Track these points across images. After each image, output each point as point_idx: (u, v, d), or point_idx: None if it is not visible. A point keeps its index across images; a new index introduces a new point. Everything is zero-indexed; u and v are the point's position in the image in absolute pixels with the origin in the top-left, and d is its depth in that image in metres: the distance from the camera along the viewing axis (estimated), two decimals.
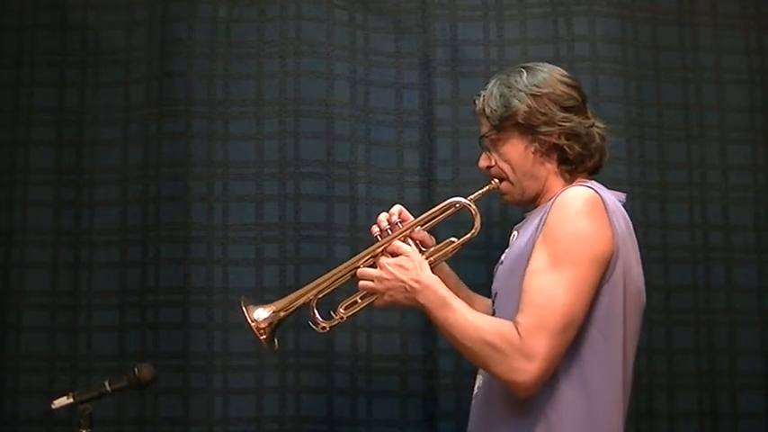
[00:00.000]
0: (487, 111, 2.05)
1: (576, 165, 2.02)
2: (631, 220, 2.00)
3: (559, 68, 2.09)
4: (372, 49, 2.63)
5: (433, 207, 2.13)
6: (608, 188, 1.99)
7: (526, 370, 1.81)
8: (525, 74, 2.04)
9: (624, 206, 1.99)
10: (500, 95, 2.03)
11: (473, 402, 2.04)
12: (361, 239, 2.50)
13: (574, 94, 2.03)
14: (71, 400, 1.98)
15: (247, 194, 2.54)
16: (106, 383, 2.01)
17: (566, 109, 2.01)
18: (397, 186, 2.57)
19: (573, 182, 2.02)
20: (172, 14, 2.61)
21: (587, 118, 2.04)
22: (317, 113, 2.57)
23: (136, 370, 2.01)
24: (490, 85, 2.08)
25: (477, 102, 2.10)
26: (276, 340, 2.07)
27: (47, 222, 2.58)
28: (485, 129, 2.07)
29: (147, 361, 2.10)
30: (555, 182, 2.03)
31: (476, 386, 2.04)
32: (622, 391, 1.92)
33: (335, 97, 2.58)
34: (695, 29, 2.66)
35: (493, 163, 2.07)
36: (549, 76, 2.03)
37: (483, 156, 2.10)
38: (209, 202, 2.54)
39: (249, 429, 2.46)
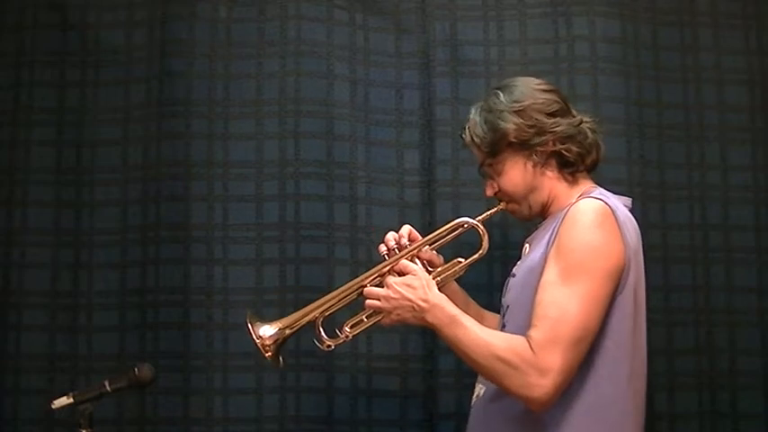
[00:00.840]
0: (477, 140, 2.04)
1: (576, 165, 2.02)
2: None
3: (532, 78, 2.09)
4: (372, 49, 2.63)
5: (441, 227, 2.12)
6: (612, 192, 1.99)
7: (541, 385, 1.80)
8: (501, 94, 2.03)
9: (631, 211, 1.99)
10: (484, 122, 2.03)
11: (472, 409, 2.03)
12: (361, 239, 2.51)
13: (554, 98, 2.03)
14: (71, 400, 1.98)
15: (247, 194, 2.54)
16: (106, 383, 2.00)
17: (551, 114, 2.00)
18: (397, 186, 2.57)
19: (576, 182, 2.02)
20: (172, 14, 2.61)
21: (573, 117, 2.03)
22: (317, 113, 2.56)
23: (136, 370, 2.01)
24: (472, 115, 2.07)
25: (464, 136, 2.09)
26: (281, 357, 2.08)
27: (47, 222, 2.58)
28: (480, 158, 2.07)
29: (147, 361, 2.09)
30: (559, 188, 2.02)
31: (474, 394, 2.02)
32: (633, 402, 1.91)
33: (335, 97, 2.57)
34: (695, 29, 2.66)
35: (498, 189, 2.06)
36: (525, 87, 2.03)
37: (487, 184, 2.09)
38: (209, 202, 2.54)
39: (249, 429, 2.46)
